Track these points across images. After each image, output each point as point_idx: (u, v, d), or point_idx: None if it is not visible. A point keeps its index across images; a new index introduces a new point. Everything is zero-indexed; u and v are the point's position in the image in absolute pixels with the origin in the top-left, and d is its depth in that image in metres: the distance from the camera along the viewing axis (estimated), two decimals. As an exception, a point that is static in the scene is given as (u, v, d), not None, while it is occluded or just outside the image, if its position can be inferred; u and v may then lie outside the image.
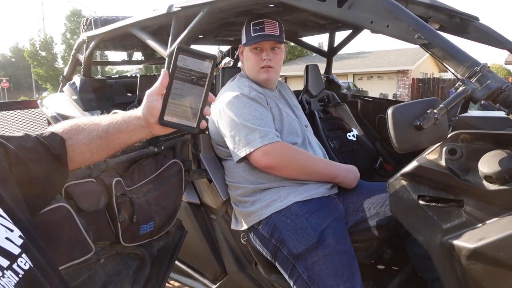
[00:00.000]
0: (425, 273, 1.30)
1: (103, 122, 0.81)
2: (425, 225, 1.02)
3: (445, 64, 0.99)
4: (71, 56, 2.49)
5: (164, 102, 0.71)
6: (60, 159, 0.77)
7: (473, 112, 1.56)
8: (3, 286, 0.47)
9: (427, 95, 18.46)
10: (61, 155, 0.77)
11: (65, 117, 2.29)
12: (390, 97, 17.81)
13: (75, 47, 2.42)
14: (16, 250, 0.53)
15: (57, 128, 0.83)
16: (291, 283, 1.31)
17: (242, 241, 1.49)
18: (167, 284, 2.23)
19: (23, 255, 0.54)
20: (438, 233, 0.99)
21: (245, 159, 1.39)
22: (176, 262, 1.84)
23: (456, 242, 0.93)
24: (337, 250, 1.25)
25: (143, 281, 1.29)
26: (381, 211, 1.38)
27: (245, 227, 1.44)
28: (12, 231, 0.55)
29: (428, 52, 1.02)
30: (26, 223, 0.59)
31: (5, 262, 0.50)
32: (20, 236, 0.55)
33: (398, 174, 1.06)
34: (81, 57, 2.36)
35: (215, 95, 1.73)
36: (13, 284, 0.49)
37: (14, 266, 0.52)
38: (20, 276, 0.51)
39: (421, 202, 1.02)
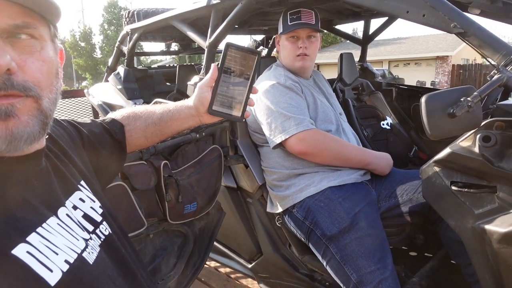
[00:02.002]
0: (458, 258, 1.32)
1: (158, 110, 0.91)
2: (457, 210, 1.04)
3: (481, 53, 1.00)
4: (115, 48, 2.63)
5: (213, 93, 0.77)
6: (120, 143, 0.88)
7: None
8: (91, 246, 0.57)
9: (468, 82, 17.56)
10: (121, 140, 0.88)
11: (110, 106, 2.45)
12: (428, 85, 17.12)
13: (119, 39, 2.56)
14: (98, 218, 0.64)
15: (117, 115, 0.94)
16: (324, 263, 1.37)
17: (277, 223, 1.57)
18: (205, 264, 2.37)
19: (104, 222, 0.64)
20: (470, 218, 1.02)
21: (281, 145, 1.46)
22: (215, 243, 1.95)
23: (487, 227, 0.96)
24: (369, 233, 1.30)
25: (187, 257, 1.40)
26: (414, 197, 1.41)
27: (280, 210, 1.51)
28: (94, 201, 0.65)
29: (464, 41, 1.03)
30: (102, 195, 0.69)
31: (90, 227, 0.61)
32: (100, 206, 0.66)
33: (431, 161, 1.08)
34: (125, 49, 2.50)
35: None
36: (98, 245, 0.59)
37: (97, 231, 0.62)
38: (102, 239, 0.61)
39: (453, 188, 1.05)
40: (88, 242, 0.57)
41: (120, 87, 2.44)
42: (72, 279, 0.48)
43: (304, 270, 1.63)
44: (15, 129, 0.49)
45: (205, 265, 2.38)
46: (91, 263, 0.54)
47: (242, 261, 1.87)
